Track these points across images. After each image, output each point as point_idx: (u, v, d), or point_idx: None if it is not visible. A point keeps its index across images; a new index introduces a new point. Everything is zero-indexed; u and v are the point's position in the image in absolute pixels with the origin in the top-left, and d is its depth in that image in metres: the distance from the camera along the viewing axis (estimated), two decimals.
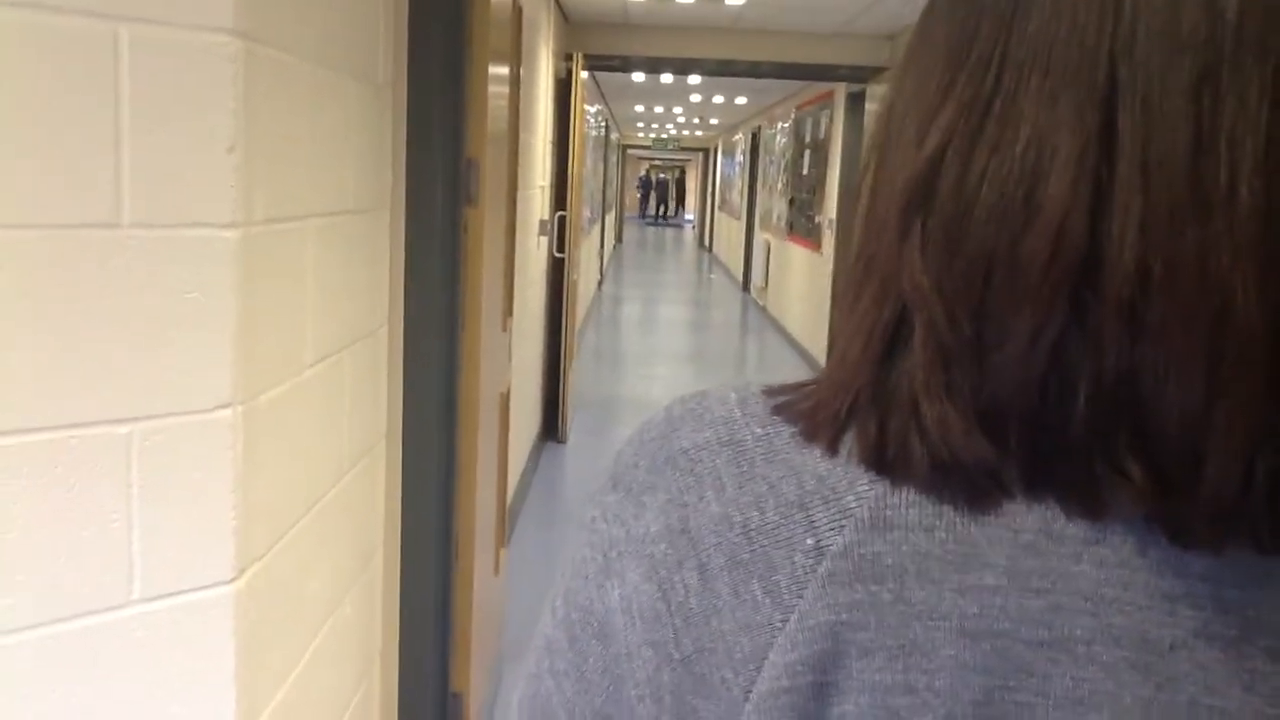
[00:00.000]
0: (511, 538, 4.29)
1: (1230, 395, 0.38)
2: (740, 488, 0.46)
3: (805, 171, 10.54)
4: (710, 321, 13.21)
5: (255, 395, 1.46)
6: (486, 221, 2.51)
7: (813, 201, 9.92)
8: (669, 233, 33.18)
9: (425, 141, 2.28)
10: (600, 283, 14.80)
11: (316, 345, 1.76)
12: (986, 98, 0.42)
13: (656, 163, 38.26)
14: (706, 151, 27.97)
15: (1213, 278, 0.38)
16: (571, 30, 7.03)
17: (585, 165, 7.79)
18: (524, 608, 3.52)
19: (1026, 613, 0.41)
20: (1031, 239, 0.40)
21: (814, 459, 0.45)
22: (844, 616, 0.42)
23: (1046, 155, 0.40)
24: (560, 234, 6.35)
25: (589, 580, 0.50)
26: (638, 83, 11.36)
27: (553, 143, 6.21)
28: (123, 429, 1.31)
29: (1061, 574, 0.41)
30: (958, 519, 0.42)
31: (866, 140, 0.52)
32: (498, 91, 2.74)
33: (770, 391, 0.49)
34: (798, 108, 11.18)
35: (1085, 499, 0.41)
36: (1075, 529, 0.42)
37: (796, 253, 10.75)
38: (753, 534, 0.45)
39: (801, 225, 10.48)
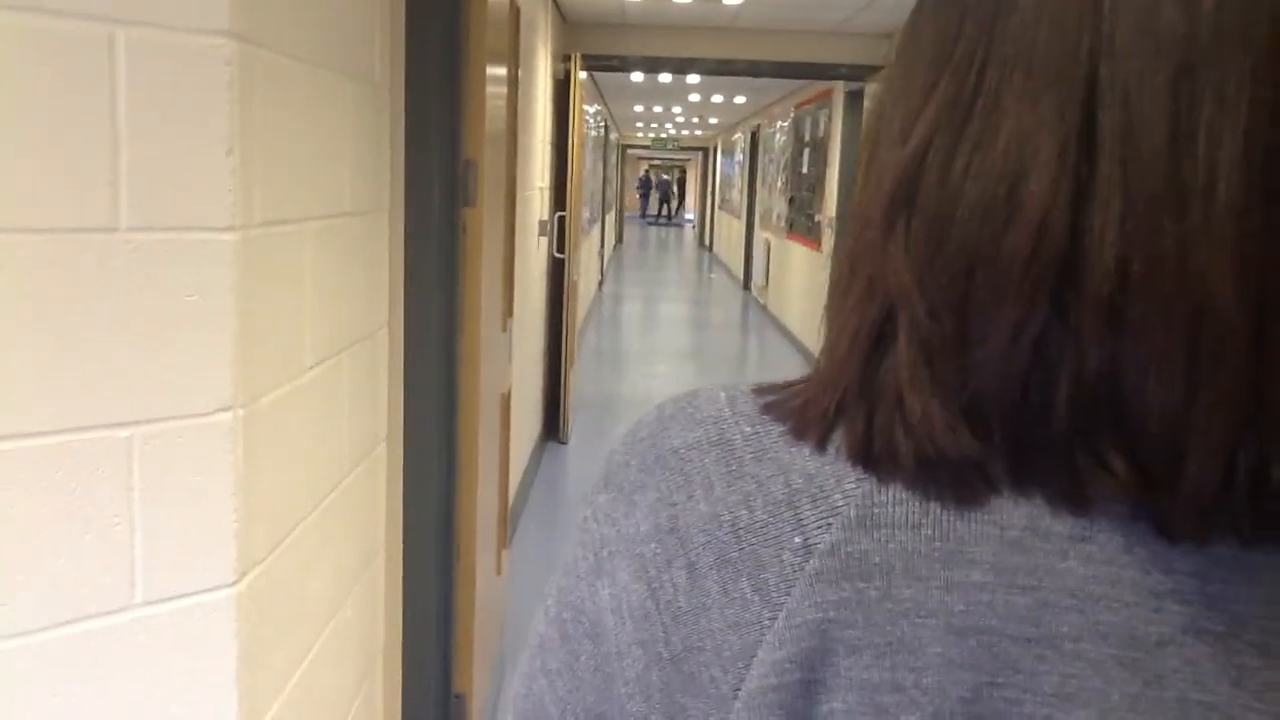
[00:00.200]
0: (513, 538, 4.29)
1: (1210, 392, 0.38)
2: (729, 486, 0.46)
3: (804, 170, 10.54)
4: (711, 320, 13.21)
5: (255, 398, 1.46)
6: (485, 222, 2.51)
7: (812, 200, 9.92)
8: (669, 232, 33.13)
9: (423, 143, 2.28)
10: (601, 283, 14.79)
11: (316, 347, 1.76)
12: (969, 96, 0.42)
13: (656, 162, 38.21)
14: (706, 151, 27.94)
15: (1192, 274, 0.38)
16: (569, 30, 7.03)
17: (584, 165, 7.79)
18: (526, 608, 3.51)
19: (1013, 609, 0.41)
20: (1013, 236, 0.40)
21: (802, 457, 0.45)
22: (831, 614, 0.43)
23: (1028, 153, 0.40)
24: (560, 234, 6.35)
25: (581, 579, 0.50)
26: (636, 82, 11.35)
27: (552, 143, 6.21)
28: (123, 432, 1.31)
29: (1048, 570, 0.41)
30: (944, 516, 0.42)
31: (861, 138, 0.52)
32: (495, 92, 2.74)
33: (761, 390, 0.50)
34: (796, 106, 11.18)
35: (1070, 492, 0.41)
36: (1062, 526, 0.42)
37: (796, 251, 10.75)
38: (741, 532, 0.45)
39: (801, 224, 10.47)
